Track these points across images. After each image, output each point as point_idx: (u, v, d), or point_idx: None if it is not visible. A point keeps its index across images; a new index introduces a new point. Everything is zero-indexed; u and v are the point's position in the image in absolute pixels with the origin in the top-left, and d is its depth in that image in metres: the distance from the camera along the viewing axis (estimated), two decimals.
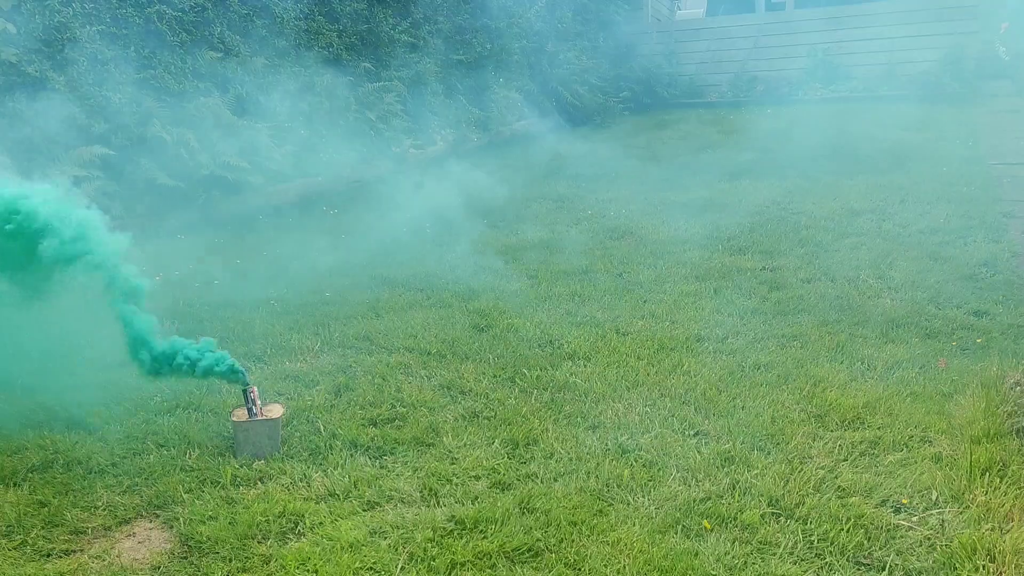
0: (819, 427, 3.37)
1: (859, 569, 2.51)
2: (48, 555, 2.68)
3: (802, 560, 2.55)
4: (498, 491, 2.98)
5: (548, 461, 3.17)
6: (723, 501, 2.85)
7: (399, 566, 2.56)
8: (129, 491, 3.03)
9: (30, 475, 3.13)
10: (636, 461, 3.14)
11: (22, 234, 3.07)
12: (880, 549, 2.58)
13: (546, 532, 2.70)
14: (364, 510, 2.89)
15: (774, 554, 2.57)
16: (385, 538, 2.70)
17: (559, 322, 4.74)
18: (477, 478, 3.08)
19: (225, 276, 5.92)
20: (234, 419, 3.28)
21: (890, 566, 2.50)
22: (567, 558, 2.58)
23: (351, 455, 3.25)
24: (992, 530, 2.63)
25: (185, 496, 2.98)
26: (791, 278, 5.38)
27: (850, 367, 3.94)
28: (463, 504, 2.89)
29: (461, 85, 11.76)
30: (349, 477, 3.08)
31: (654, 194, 8.47)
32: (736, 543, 2.63)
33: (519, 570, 2.54)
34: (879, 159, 9.27)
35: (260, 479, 3.11)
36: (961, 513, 2.74)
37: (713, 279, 5.48)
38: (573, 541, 2.66)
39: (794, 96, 15.37)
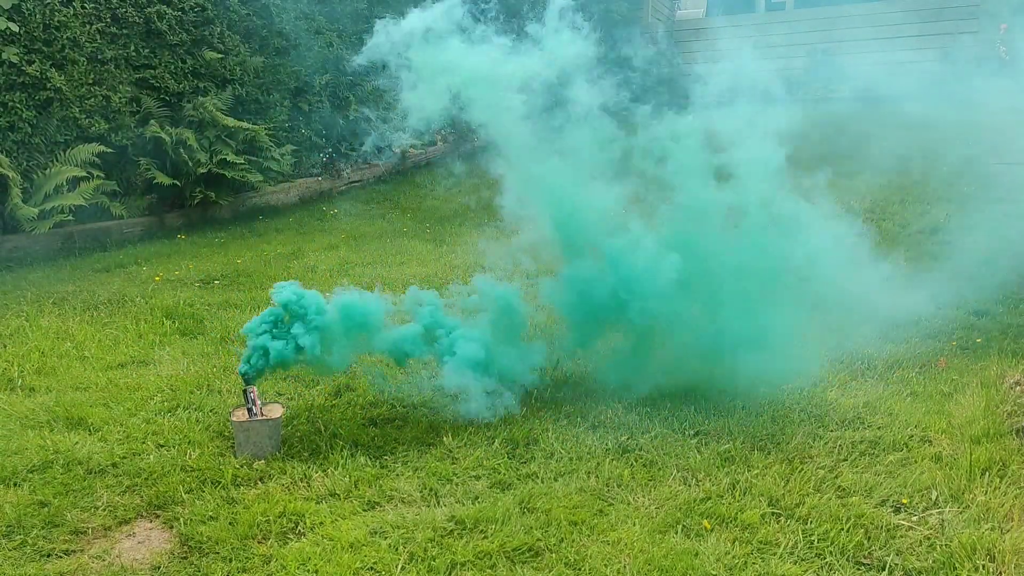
0: (819, 427, 3.37)
1: (859, 569, 2.51)
2: (48, 555, 2.68)
3: (802, 560, 2.55)
4: (498, 491, 2.98)
5: (548, 461, 3.17)
6: (723, 501, 2.85)
7: (399, 566, 2.56)
8: (129, 491, 3.03)
9: (30, 475, 3.13)
10: (636, 461, 3.14)
11: None
12: (880, 549, 2.58)
13: (546, 532, 2.70)
14: (364, 510, 2.89)
15: (774, 554, 2.57)
16: (385, 538, 2.70)
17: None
18: (477, 478, 3.08)
19: None
20: (234, 419, 3.28)
21: (890, 566, 2.50)
22: (567, 558, 2.58)
23: (351, 455, 3.25)
24: (992, 530, 2.63)
25: (185, 496, 2.98)
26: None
27: (850, 367, 3.94)
28: (463, 504, 2.89)
29: None
30: (349, 477, 3.08)
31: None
32: (736, 543, 2.63)
33: (519, 570, 2.54)
34: (879, 158, 9.26)
35: (260, 479, 3.11)
36: (961, 513, 2.74)
37: None
38: (573, 541, 2.66)
39: (794, 96, 15.35)
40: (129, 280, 5.87)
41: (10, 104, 6.22)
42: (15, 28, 6.16)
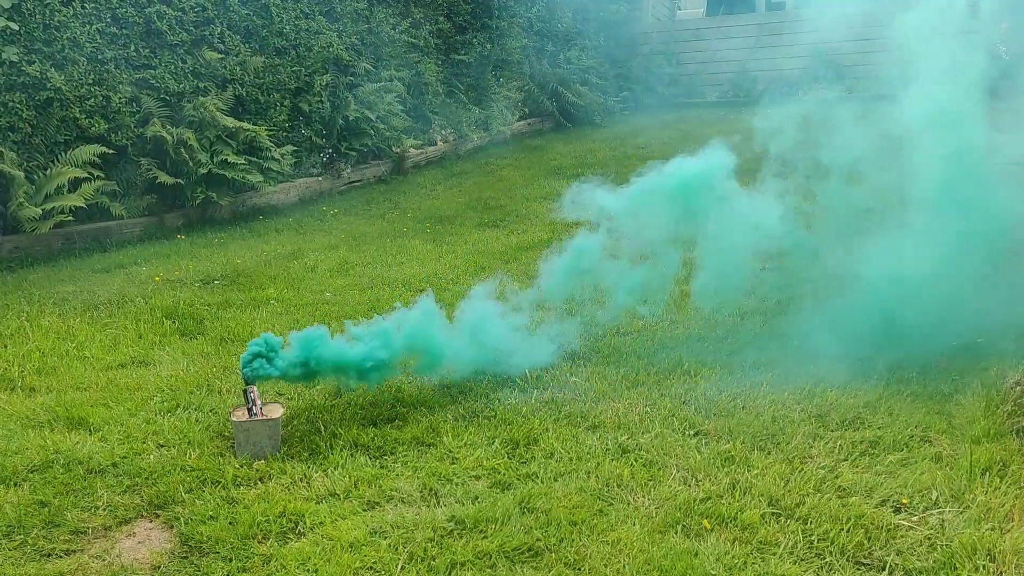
0: (819, 427, 3.37)
1: (859, 569, 2.51)
2: (48, 555, 2.68)
3: (802, 560, 2.55)
4: (498, 491, 2.98)
5: (548, 461, 3.17)
6: (723, 501, 2.85)
7: (399, 566, 2.56)
8: (129, 491, 3.03)
9: (30, 475, 3.13)
10: (636, 461, 3.14)
11: None
12: (880, 549, 2.58)
13: (546, 532, 2.70)
14: (364, 510, 2.89)
15: (774, 554, 2.57)
16: (385, 538, 2.70)
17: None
18: (477, 478, 3.08)
19: None
20: (234, 419, 3.28)
21: (890, 566, 2.50)
22: (567, 558, 2.58)
23: (351, 455, 3.25)
24: (992, 530, 2.63)
25: (185, 496, 2.98)
26: (791, 277, 5.37)
27: (850, 367, 3.94)
28: (463, 504, 2.89)
29: (461, 85, 11.75)
30: (349, 477, 3.08)
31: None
32: (736, 543, 2.63)
33: (519, 570, 2.54)
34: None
35: (260, 479, 3.11)
36: (961, 513, 2.74)
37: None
38: (573, 541, 2.66)
39: (794, 95, 15.35)
40: (129, 280, 5.87)
41: (10, 104, 6.22)
42: (15, 27, 6.16)
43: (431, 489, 3.00)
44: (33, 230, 6.38)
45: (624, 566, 2.52)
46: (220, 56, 7.84)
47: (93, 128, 6.80)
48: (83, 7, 6.70)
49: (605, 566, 2.53)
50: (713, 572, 2.50)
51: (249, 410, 3.30)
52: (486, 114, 12.18)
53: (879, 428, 3.33)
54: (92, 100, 6.79)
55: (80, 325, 4.84)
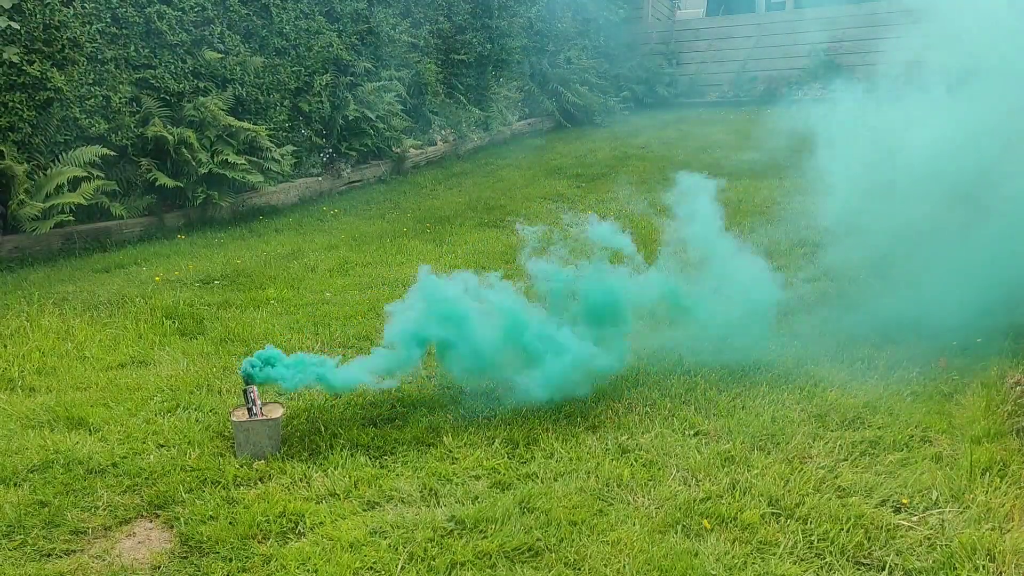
0: (819, 427, 3.37)
1: (859, 569, 2.51)
2: (48, 555, 2.69)
3: (802, 560, 2.55)
4: (498, 491, 2.98)
5: (548, 461, 3.17)
6: (723, 501, 2.85)
7: (399, 566, 2.56)
8: (129, 491, 3.03)
9: (30, 475, 3.14)
10: (636, 461, 3.14)
11: None
12: (880, 549, 2.58)
13: (546, 532, 2.70)
14: (364, 510, 2.89)
15: (774, 554, 2.58)
16: (385, 538, 2.70)
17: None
18: (477, 478, 3.08)
19: None
20: (234, 419, 3.28)
21: (890, 566, 2.50)
22: (567, 558, 2.58)
23: (351, 455, 3.25)
24: (992, 530, 2.63)
25: (185, 496, 2.98)
26: (791, 278, 5.38)
27: (850, 367, 3.94)
28: (463, 504, 2.89)
29: (461, 85, 11.75)
30: (349, 477, 3.08)
31: (654, 194, 8.46)
32: (736, 543, 2.63)
33: (519, 570, 2.54)
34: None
35: (260, 479, 3.11)
36: (961, 513, 2.74)
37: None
38: (573, 541, 2.66)
39: (794, 95, 15.34)
40: (129, 280, 5.87)
41: (10, 104, 6.22)
42: (16, 27, 6.16)
43: (431, 489, 3.00)
44: (34, 230, 6.39)
45: (624, 566, 2.52)
46: (220, 56, 7.84)
47: (93, 128, 6.80)
48: (83, 7, 6.71)
49: (605, 566, 2.53)
50: (713, 572, 2.50)
51: (249, 410, 3.30)
52: (486, 114, 12.18)
53: (879, 428, 3.33)
54: (92, 100, 6.80)
55: (80, 325, 4.84)
